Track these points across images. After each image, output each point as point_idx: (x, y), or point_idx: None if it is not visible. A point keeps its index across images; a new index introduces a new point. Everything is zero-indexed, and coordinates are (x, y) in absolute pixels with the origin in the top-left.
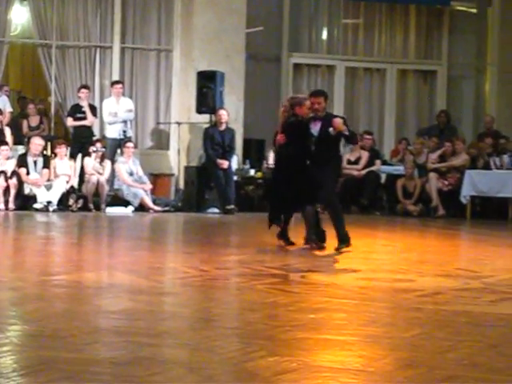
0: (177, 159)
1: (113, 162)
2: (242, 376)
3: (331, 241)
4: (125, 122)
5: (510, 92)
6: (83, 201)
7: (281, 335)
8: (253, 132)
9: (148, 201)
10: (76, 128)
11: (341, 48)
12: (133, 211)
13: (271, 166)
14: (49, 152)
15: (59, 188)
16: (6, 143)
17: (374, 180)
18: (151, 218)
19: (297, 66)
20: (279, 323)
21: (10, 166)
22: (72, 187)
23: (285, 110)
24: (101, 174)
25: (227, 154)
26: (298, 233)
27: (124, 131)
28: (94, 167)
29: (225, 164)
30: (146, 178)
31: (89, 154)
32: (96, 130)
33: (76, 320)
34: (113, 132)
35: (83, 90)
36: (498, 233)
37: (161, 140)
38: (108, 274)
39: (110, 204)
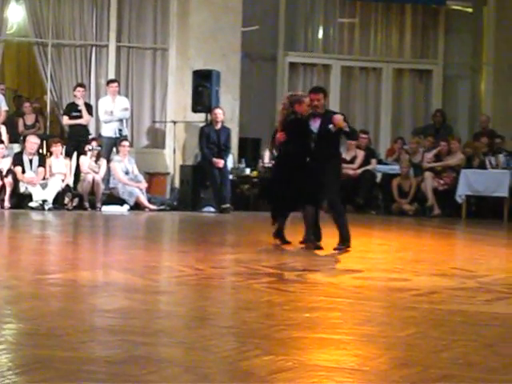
0: (172, 158)
1: (108, 160)
2: (237, 375)
3: (330, 240)
4: (120, 120)
5: (505, 91)
6: (79, 199)
7: (276, 334)
8: (248, 131)
9: (143, 199)
10: (72, 127)
11: (337, 47)
12: (128, 210)
13: (267, 165)
14: (44, 151)
15: (55, 187)
16: (2, 142)
17: (369, 179)
18: (147, 217)
19: (293, 65)
20: (274, 322)
21: (5, 164)
22: (67, 186)
23: (284, 107)
24: (96, 172)
25: (223, 152)
26: (294, 232)
27: (120, 130)
28: (90, 166)
29: (220, 163)
30: (141, 177)
31: (84, 153)
32: (92, 129)
33: (71, 319)
34: (108, 131)
35: (79, 89)
36: (493, 232)
37: (156, 139)
38: (103, 273)
39: (106, 203)
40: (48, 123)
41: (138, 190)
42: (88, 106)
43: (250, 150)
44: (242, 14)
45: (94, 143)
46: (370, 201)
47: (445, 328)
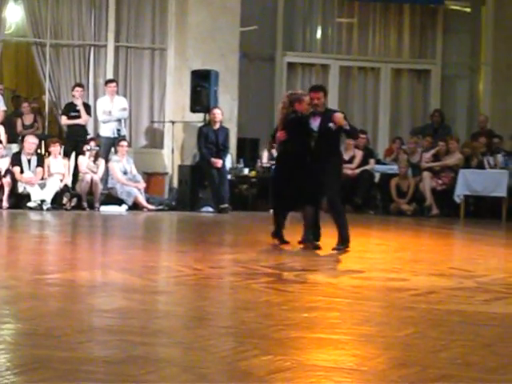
0: (171, 158)
1: (107, 160)
2: (235, 375)
3: (329, 240)
4: (119, 120)
5: (503, 91)
6: (77, 199)
7: (274, 334)
8: (247, 131)
9: (142, 199)
10: (70, 127)
11: (335, 47)
12: (126, 210)
13: (265, 165)
14: (43, 151)
15: (53, 187)
16: (0, 142)
17: (367, 179)
18: (145, 217)
19: (291, 65)
20: (273, 322)
21: (3, 164)
22: (66, 186)
23: (284, 106)
24: (95, 172)
25: (221, 152)
26: (293, 232)
27: (118, 130)
28: (88, 166)
29: (219, 163)
30: (139, 177)
31: (83, 153)
32: (90, 129)
33: (70, 319)
34: (107, 131)
35: (77, 89)
36: (491, 232)
37: (155, 139)
38: (102, 273)
39: (104, 203)
40: (46, 123)
41: (136, 190)
42: (86, 106)
43: (248, 149)
44: (240, 14)
45: (92, 143)
46: (368, 201)
47: (443, 328)
